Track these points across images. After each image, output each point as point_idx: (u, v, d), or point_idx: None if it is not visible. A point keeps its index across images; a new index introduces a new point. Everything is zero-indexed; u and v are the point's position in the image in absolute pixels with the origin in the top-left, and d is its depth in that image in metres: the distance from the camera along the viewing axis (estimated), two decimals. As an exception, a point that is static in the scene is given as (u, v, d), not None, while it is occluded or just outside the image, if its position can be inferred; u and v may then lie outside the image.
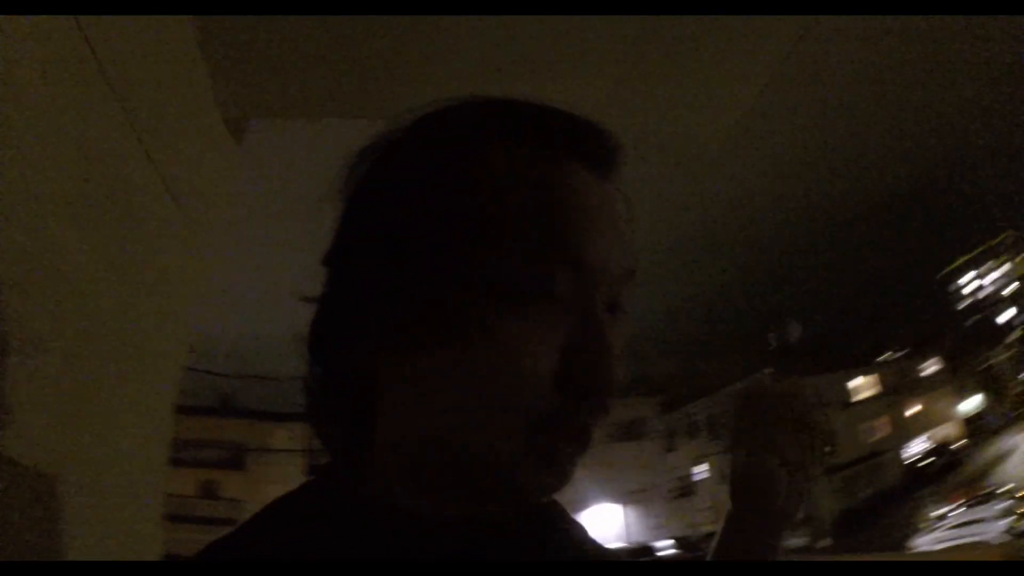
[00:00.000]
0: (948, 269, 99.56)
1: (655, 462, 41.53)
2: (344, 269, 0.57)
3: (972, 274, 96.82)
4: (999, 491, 29.33)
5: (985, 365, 55.59)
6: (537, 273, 0.49)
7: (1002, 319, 69.71)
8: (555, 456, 0.50)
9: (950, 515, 30.04)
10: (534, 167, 0.52)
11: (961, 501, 31.14)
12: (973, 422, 49.02)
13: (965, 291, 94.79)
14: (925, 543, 27.21)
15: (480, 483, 0.52)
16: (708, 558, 0.77)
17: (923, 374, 49.21)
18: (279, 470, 30.08)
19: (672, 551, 30.86)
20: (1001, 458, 36.58)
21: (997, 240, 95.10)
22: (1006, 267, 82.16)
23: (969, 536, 24.07)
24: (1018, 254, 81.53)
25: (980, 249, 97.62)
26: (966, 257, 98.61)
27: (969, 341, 61.46)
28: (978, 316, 77.14)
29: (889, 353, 57.12)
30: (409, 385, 0.53)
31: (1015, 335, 60.35)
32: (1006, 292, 76.68)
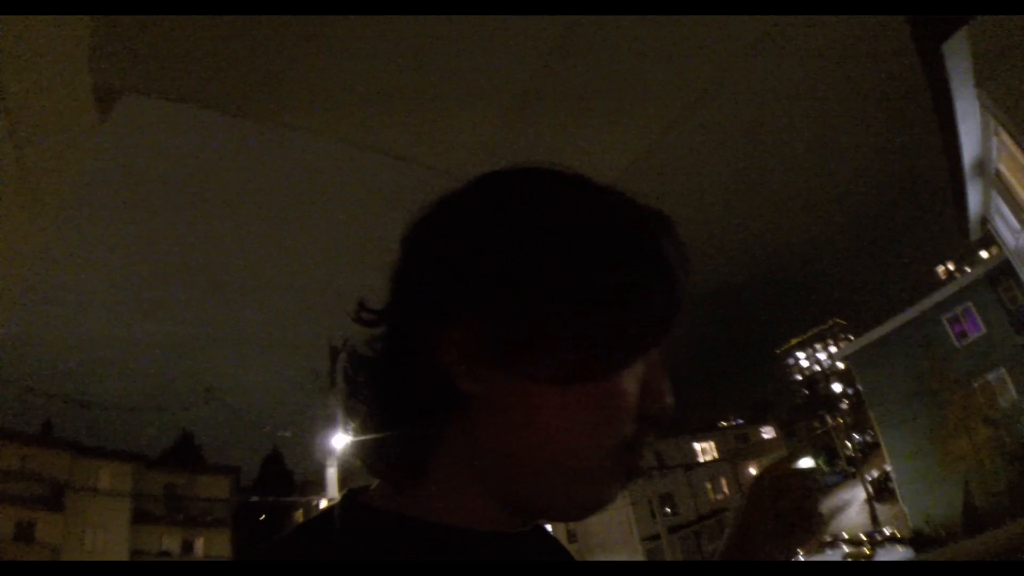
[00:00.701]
0: (784, 348, 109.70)
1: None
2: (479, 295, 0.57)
3: (803, 353, 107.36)
4: (840, 538, 31.72)
5: (819, 431, 61.12)
6: (660, 334, 0.59)
7: (831, 391, 75.84)
8: (626, 473, 0.59)
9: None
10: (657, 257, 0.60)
11: (801, 552, 32.88)
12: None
13: (798, 368, 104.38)
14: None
15: (563, 497, 0.58)
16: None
17: (761, 439, 51.96)
18: (103, 514, 25.89)
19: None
20: (839, 510, 40.01)
21: (825, 325, 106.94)
22: (832, 348, 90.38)
23: (816, 577, 25.34)
24: (843, 337, 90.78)
25: (811, 332, 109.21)
26: (799, 339, 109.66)
27: (802, 410, 67.30)
28: (809, 389, 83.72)
29: (730, 420, 61.75)
30: (517, 410, 0.56)
31: (843, 405, 66.06)
32: (833, 369, 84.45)
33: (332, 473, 16.28)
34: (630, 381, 0.58)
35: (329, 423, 16.63)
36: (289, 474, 37.69)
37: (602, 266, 0.57)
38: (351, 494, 0.63)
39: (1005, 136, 9.01)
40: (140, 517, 26.55)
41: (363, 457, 0.64)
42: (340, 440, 16.44)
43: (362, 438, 0.64)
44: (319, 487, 17.65)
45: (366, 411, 0.63)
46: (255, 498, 30.10)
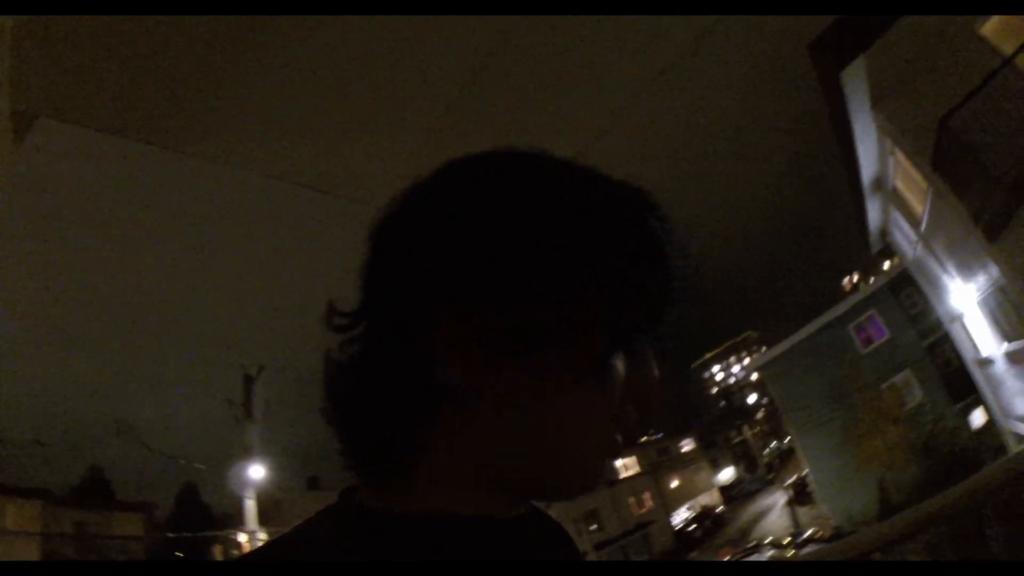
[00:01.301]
0: (699, 361, 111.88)
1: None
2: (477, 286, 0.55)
3: (719, 366, 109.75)
4: (764, 542, 32.46)
5: (737, 440, 62.56)
6: (654, 327, 0.61)
7: (748, 402, 77.54)
8: (612, 455, 0.60)
9: (722, 568, 32.09)
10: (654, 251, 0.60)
11: (728, 557, 34.04)
12: (730, 489, 54.76)
13: (714, 380, 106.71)
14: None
15: (562, 479, 0.58)
16: None
17: (681, 451, 52.95)
18: (9, 556, 23.93)
19: None
20: (760, 515, 40.89)
21: (740, 338, 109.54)
22: (747, 360, 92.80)
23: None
24: (758, 349, 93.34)
25: (726, 345, 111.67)
26: (714, 352, 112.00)
27: (720, 421, 68.91)
28: (726, 400, 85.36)
29: (650, 434, 62.56)
30: (517, 401, 0.55)
31: (760, 415, 67.86)
32: (747, 381, 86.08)
33: (251, 505, 15.76)
34: (629, 373, 0.59)
35: (246, 454, 16.12)
36: (206, 508, 36.21)
37: (599, 250, 0.56)
38: (347, 492, 0.61)
39: (900, 155, 9.69)
40: (50, 558, 24.93)
41: (347, 462, 0.61)
42: (257, 471, 16.05)
43: (345, 442, 0.61)
44: (238, 520, 16.97)
45: (346, 415, 0.61)
46: (171, 535, 28.66)
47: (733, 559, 32.25)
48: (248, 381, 17.17)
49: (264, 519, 17.50)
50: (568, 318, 0.54)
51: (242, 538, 21.14)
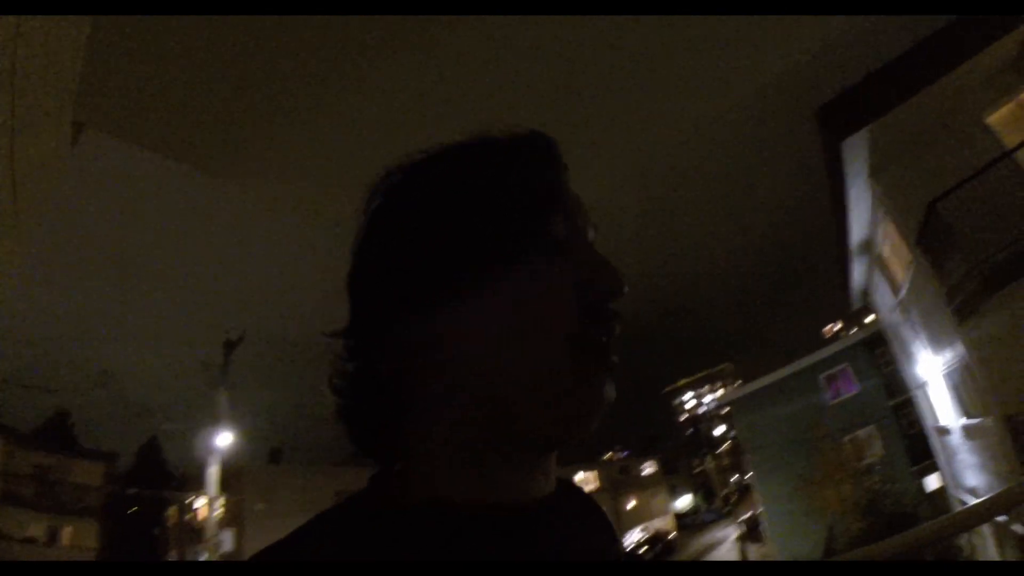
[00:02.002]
0: (672, 387, 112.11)
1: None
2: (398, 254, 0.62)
3: (691, 394, 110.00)
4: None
5: (699, 469, 62.77)
6: (540, 223, 0.62)
7: (714, 433, 77.69)
8: (591, 377, 0.59)
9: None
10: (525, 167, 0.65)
11: (672, 582, 33.44)
12: (686, 517, 55.09)
13: (685, 407, 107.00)
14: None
15: (535, 421, 0.58)
16: None
17: (642, 474, 53.21)
18: None
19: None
20: (711, 547, 40.96)
21: (717, 368, 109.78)
22: (720, 391, 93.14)
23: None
24: (732, 382, 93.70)
25: (701, 374, 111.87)
26: (688, 379, 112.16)
27: (684, 449, 69.05)
28: (693, 429, 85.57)
29: (612, 453, 62.67)
30: (457, 338, 0.59)
31: (724, 447, 68.10)
32: (718, 412, 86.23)
33: (213, 471, 15.68)
34: (544, 278, 0.60)
35: (215, 419, 16.12)
36: (165, 465, 35.79)
37: (466, 184, 0.63)
38: (375, 478, 0.64)
39: (890, 223, 9.97)
40: (7, 498, 24.47)
41: (361, 454, 0.66)
42: (225, 438, 16.02)
43: (354, 439, 0.66)
44: (197, 483, 16.62)
45: (348, 412, 0.66)
46: (132, 490, 27.94)
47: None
48: (228, 346, 17.17)
49: (224, 486, 17.42)
50: (460, 253, 0.60)
51: (200, 501, 20.96)
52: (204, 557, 17.71)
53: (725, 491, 58.70)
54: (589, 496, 0.79)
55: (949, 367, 10.05)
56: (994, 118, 8.26)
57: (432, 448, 0.61)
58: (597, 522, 0.76)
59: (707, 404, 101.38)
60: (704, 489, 61.35)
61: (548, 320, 0.58)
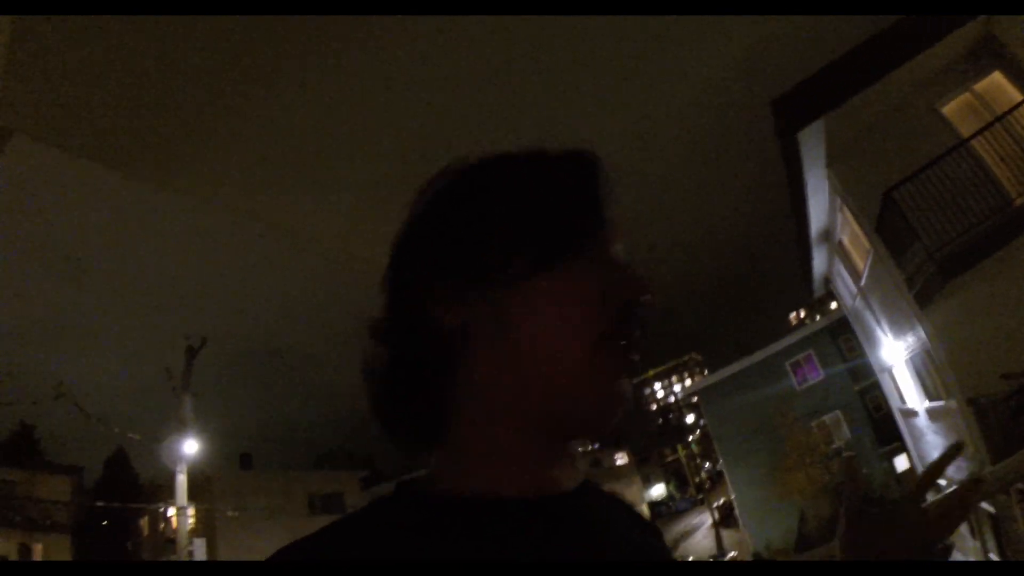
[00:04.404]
0: (642, 377, 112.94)
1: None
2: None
3: (660, 384, 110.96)
4: (688, 559, 32.21)
5: (670, 459, 63.32)
6: (579, 229, 0.66)
7: (683, 422, 78.35)
8: (617, 373, 0.64)
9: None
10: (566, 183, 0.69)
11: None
12: (660, 505, 55.92)
13: (654, 398, 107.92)
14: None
15: (567, 409, 0.62)
16: None
17: (615, 464, 53.69)
18: None
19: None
20: (687, 534, 41.32)
21: (684, 358, 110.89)
22: (688, 381, 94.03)
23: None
24: (700, 371, 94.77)
25: (670, 364, 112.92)
26: (657, 369, 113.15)
27: (655, 439, 69.65)
28: (663, 419, 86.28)
29: (586, 443, 63.13)
30: (497, 327, 0.63)
31: (695, 436, 68.77)
32: (687, 401, 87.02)
33: (182, 480, 15.48)
34: (586, 278, 0.64)
35: (180, 426, 15.84)
36: (135, 477, 35.08)
37: (515, 189, 0.67)
38: (401, 485, 0.66)
39: (848, 212, 10.12)
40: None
41: (386, 429, 0.69)
42: (191, 445, 15.79)
43: (392, 434, 0.69)
44: (168, 492, 16.42)
45: (385, 409, 0.69)
46: (101, 503, 27.18)
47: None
48: (190, 353, 16.87)
49: (194, 494, 17.18)
50: (515, 245, 0.63)
51: (171, 512, 20.64)
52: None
53: (698, 479, 59.34)
54: (615, 494, 0.80)
55: (911, 351, 10.24)
56: (948, 108, 8.40)
57: (468, 435, 0.64)
58: (627, 518, 0.77)
59: (676, 394, 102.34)
60: (677, 478, 62.00)
61: (586, 317, 0.62)
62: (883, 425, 20.89)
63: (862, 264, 10.86)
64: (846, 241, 11.56)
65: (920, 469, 13.78)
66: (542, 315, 0.62)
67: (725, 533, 33.62)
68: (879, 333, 12.11)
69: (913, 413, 12.07)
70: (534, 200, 0.66)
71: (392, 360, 0.67)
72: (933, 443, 11.12)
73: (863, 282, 11.28)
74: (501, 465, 0.63)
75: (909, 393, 11.83)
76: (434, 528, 0.57)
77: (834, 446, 22.92)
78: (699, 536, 39.04)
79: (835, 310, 25.09)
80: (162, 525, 28.36)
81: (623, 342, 0.64)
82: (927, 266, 7.57)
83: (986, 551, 8.66)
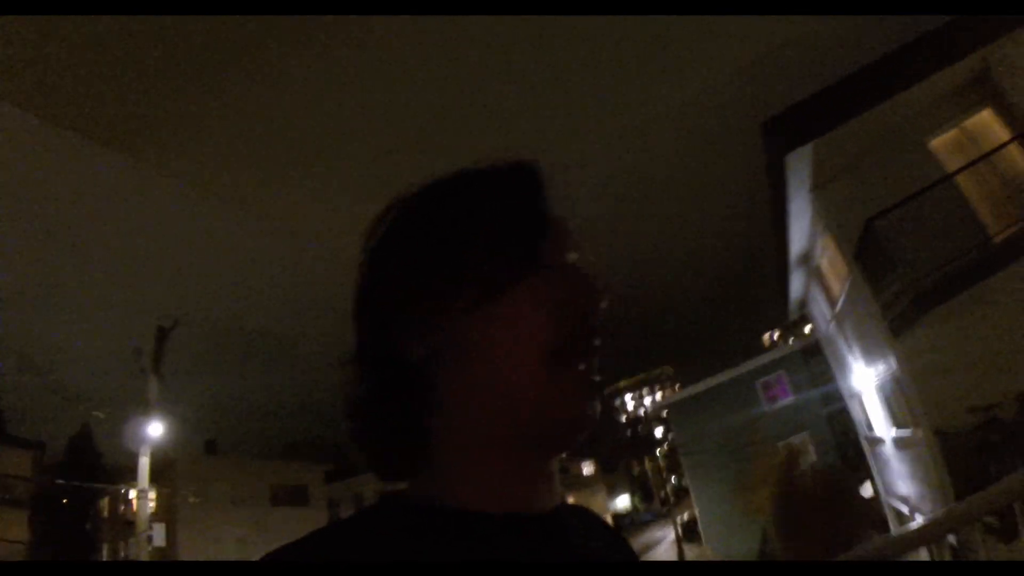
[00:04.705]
0: (612, 387, 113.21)
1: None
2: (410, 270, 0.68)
3: (631, 395, 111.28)
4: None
5: (637, 471, 63.46)
6: (524, 251, 0.66)
7: (652, 435, 78.49)
8: (571, 388, 0.63)
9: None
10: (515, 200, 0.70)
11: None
12: (624, 517, 56.38)
13: (624, 409, 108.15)
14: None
15: (529, 427, 0.63)
16: None
17: (581, 473, 54.12)
18: None
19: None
20: (649, 547, 41.38)
21: (656, 371, 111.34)
22: (659, 394, 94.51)
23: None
24: (672, 385, 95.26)
25: (641, 376, 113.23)
26: (628, 381, 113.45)
27: (624, 450, 69.79)
28: (632, 430, 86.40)
29: (560, 461, 63.12)
30: (459, 351, 0.64)
31: (662, 450, 68.95)
32: (657, 415, 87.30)
33: (145, 462, 15.30)
34: (537, 295, 0.64)
35: (146, 407, 15.74)
36: (99, 457, 34.48)
37: (462, 216, 0.68)
38: (385, 497, 0.67)
39: (828, 239, 10.20)
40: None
41: (366, 459, 0.71)
42: (156, 428, 15.68)
43: (370, 460, 0.70)
44: (131, 474, 16.30)
45: (363, 433, 0.70)
46: (61, 481, 26.56)
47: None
48: (161, 333, 16.69)
49: (156, 477, 17.01)
50: (453, 280, 0.65)
51: (132, 493, 20.37)
52: (134, 551, 17.21)
53: (663, 492, 59.54)
54: (592, 512, 0.81)
55: (881, 379, 10.33)
56: (936, 143, 8.50)
57: (445, 459, 0.65)
58: (603, 534, 0.78)
59: (646, 406, 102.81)
60: (643, 490, 62.20)
61: (539, 335, 0.63)
62: (849, 450, 21.08)
63: (839, 290, 10.96)
64: (825, 266, 11.66)
65: (885, 496, 13.98)
66: (497, 339, 0.63)
67: (688, 548, 33.76)
68: (850, 359, 12.22)
69: (880, 441, 12.18)
70: (475, 227, 0.67)
71: (365, 393, 0.69)
72: (898, 471, 11.23)
73: (838, 308, 11.38)
74: (480, 484, 0.64)
75: (877, 420, 11.94)
76: (421, 535, 0.58)
77: (799, 469, 23.09)
78: (661, 550, 39.13)
79: (808, 334, 25.34)
80: (122, 507, 27.99)
81: (582, 354, 0.65)
82: (903, 296, 7.65)
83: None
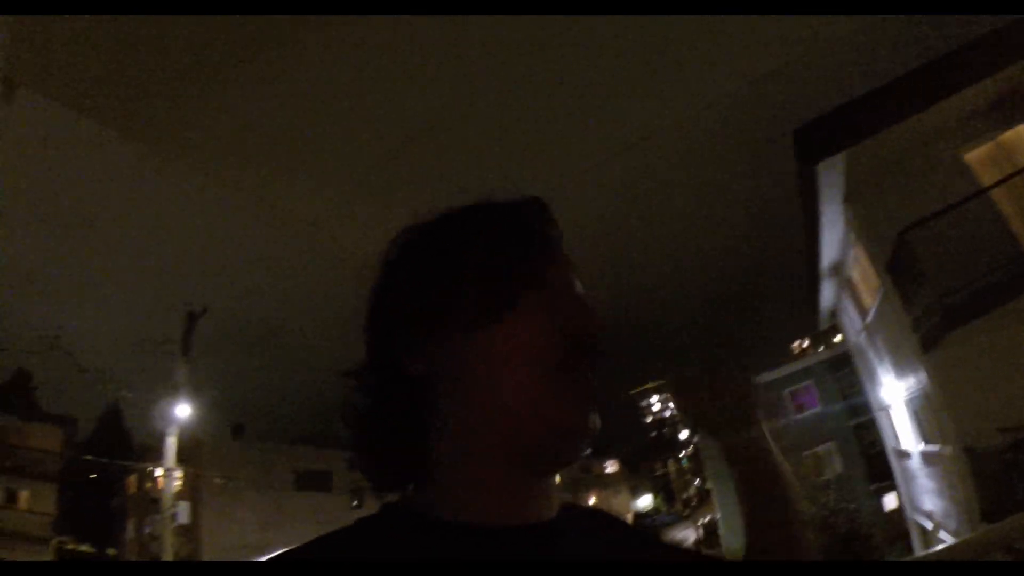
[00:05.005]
0: (637, 389, 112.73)
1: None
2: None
3: (657, 397, 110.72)
4: None
5: (661, 472, 63.23)
6: (523, 275, 0.69)
7: (679, 437, 78.16)
8: (573, 401, 0.66)
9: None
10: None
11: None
12: (645, 517, 55.62)
13: (650, 410, 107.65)
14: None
15: (531, 440, 0.65)
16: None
17: (604, 472, 53.79)
18: None
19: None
20: None
21: None
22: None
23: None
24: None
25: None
26: (656, 383, 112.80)
27: (647, 451, 69.55)
28: (658, 432, 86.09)
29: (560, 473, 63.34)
30: (459, 369, 0.67)
31: (687, 451, 68.68)
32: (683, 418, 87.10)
33: (172, 442, 15.69)
34: (535, 319, 0.67)
35: (174, 390, 16.16)
36: (127, 436, 35.00)
37: (465, 242, 0.71)
38: (387, 506, 0.70)
39: (860, 249, 10.06)
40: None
41: (367, 472, 0.73)
42: (184, 409, 16.07)
43: (365, 460, 0.73)
44: (158, 454, 16.65)
45: (361, 429, 0.73)
46: (90, 457, 27.07)
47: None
48: (191, 318, 17.17)
49: (184, 459, 17.33)
50: (456, 302, 0.68)
51: (158, 472, 20.78)
52: (159, 527, 17.62)
53: (685, 495, 59.30)
54: (607, 514, 0.82)
55: (911, 393, 10.19)
56: (971, 156, 8.33)
57: (446, 473, 0.67)
58: (614, 536, 0.78)
59: (672, 408, 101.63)
60: (665, 491, 61.93)
61: (536, 356, 0.65)
62: (876, 462, 20.80)
63: (870, 301, 10.81)
64: (856, 277, 11.50)
65: (909, 510, 13.79)
66: (496, 360, 0.65)
67: (706, 552, 33.34)
68: (880, 371, 12.06)
69: (907, 454, 12.02)
70: (480, 255, 0.70)
71: (369, 407, 0.72)
72: (924, 486, 11.08)
73: (869, 319, 11.23)
74: (478, 498, 0.65)
75: (905, 434, 11.78)
76: (417, 545, 0.61)
77: (824, 478, 22.86)
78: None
79: (838, 343, 25.03)
80: (149, 485, 28.44)
81: (577, 373, 0.67)
82: (934, 311, 7.53)
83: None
